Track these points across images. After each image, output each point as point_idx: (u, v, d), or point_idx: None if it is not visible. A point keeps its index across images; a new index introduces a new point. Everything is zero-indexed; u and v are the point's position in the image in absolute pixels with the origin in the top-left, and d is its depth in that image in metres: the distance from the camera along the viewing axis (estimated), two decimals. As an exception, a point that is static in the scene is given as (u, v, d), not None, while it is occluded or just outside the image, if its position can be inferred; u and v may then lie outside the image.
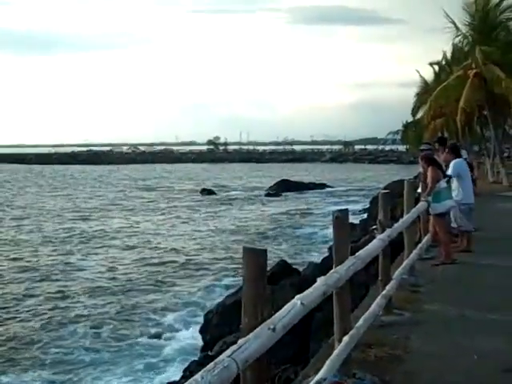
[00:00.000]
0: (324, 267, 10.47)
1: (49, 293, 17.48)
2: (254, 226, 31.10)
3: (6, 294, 17.29)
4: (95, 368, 11.93)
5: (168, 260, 22.07)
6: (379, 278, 6.85)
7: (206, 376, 2.41)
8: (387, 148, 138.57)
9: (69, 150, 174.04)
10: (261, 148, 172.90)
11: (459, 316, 6.72)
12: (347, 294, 4.81)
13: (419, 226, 10.76)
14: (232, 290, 14.07)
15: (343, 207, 5.73)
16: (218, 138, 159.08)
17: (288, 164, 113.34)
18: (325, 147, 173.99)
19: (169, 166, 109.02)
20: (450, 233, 10.42)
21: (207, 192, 50.58)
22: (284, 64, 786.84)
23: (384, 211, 6.71)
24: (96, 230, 29.76)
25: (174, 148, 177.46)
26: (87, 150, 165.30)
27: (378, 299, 6.19)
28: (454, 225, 10.73)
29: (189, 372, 9.99)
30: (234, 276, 18.34)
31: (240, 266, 3.40)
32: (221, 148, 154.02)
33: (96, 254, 23.70)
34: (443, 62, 38.47)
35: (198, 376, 2.41)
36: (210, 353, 10.59)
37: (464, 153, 13.35)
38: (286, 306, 3.38)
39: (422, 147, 11.41)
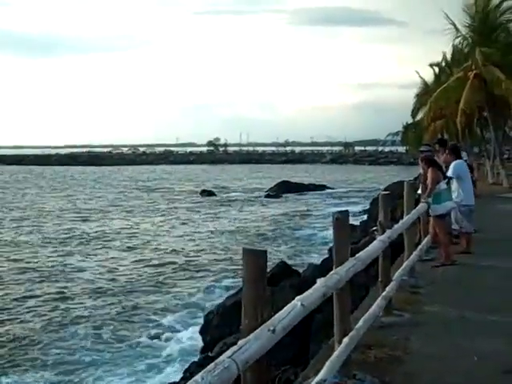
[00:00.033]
0: (324, 268, 10.48)
1: (49, 294, 17.47)
2: (254, 227, 31.08)
3: (7, 295, 17.28)
4: (96, 369, 11.93)
5: (168, 261, 22.07)
6: (379, 280, 6.86)
7: (207, 377, 2.42)
8: (387, 149, 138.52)
9: (69, 151, 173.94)
10: (260, 149, 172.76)
11: (459, 317, 6.73)
12: (347, 295, 4.82)
13: (419, 228, 10.76)
14: (232, 291, 14.10)
15: (343, 208, 5.75)
16: (217, 139, 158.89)
17: (288, 165, 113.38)
18: (325, 148, 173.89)
19: (169, 167, 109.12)
20: (450, 234, 10.43)
21: (207, 193, 50.55)
22: (287, 65, 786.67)
23: (384, 212, 6.72)
24: (96, 231, 29.77)
25: (174, 149, 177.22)
26: (87, 152, 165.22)
27: (378, 300, 6.19)
28: (455, 226, 10.74)
29: (189, 373, 10.01)
30: (233, 277, 18.32)
31: (240, 267, 3.41)
32: (221, 149, 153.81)
33: (96, 255, 23.70)
34: (443, 64, 38.51)
35: (198, 377, 2.41)
36: (210, 354, 10.59)
37: (464, 154, 13.36)
38: (285, 308, 3.38)
39: (421, 148, 11.39)
